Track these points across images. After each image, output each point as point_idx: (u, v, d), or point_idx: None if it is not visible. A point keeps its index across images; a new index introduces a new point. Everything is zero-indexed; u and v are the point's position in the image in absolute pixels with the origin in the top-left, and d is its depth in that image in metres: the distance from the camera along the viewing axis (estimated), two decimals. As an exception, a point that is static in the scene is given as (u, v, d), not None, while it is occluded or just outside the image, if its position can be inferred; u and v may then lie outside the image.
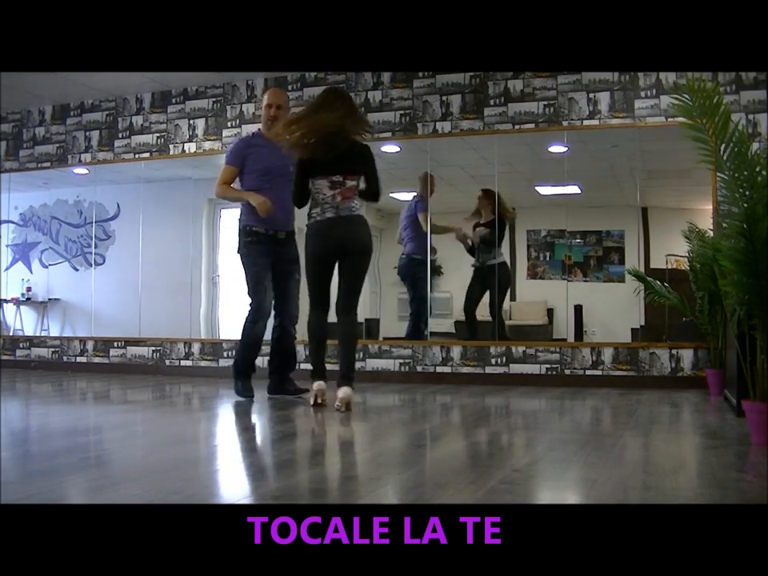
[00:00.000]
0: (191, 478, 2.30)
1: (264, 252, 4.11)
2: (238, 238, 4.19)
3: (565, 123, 5.44)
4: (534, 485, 2.19)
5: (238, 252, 4.19)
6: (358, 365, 5.75)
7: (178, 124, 6.50)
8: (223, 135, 6.31)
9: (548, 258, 6.39)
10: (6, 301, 7.27)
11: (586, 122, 5.39)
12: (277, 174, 4.08)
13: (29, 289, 7.24)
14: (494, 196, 5.85)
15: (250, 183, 4.12)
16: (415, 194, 6.19)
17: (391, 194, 6.65)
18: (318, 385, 3.77)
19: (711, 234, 4.66)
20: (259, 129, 4.32)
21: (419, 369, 5.67)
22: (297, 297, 4.23)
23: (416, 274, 6.01)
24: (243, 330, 4.15)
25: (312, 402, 3.77)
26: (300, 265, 4.17)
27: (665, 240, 5.68)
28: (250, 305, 4.13)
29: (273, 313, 4.20)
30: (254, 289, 4.10)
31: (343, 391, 3.67)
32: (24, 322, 7.28)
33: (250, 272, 4.12)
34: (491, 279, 5.96)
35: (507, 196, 5.98)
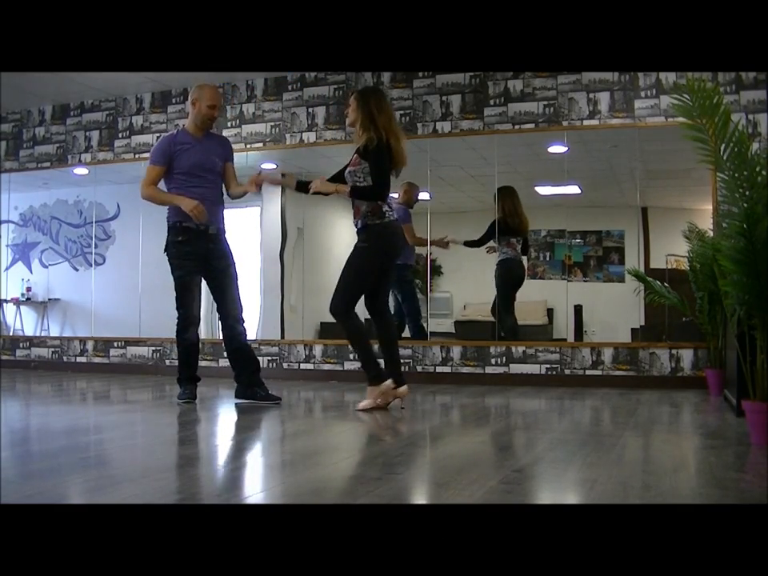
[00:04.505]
0: (191, 477, 2.30)
1: (192, 254, 3.97)
2: (167, 236, 4.06)
3: (565, 123, 5.44)
4: (533, 485, 2.19)
5: (166, 251, 4.05)
6: (356, 365, 5.77)
7: (178, 124, 6.49)
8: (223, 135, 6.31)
9: (548, 258, 6.39)
10: (5, 301, 7.27)
11: (586, 122, 5.39)
12: (205, 171, 3.99)
13: (29, 289, 7.24)
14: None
15: (178, 182, 3.99)
16: (397, 200, 6.08)
17: (391, 194, 6.64)
18: (384, 386, 3.78)
19: (711, 233, 4.66)
20: (184, 125, 4.14)
21: (419, 369, 5.67)
22: (237, 292, 4.08)
23: (402, 278, 5.88)
24: (177, 340, 4.07)
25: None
26: (234, 261, 4.09)
27: (665, 240, 5.68)
28: (177, 311, 4.01)
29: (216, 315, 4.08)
30: (181, 297, 3.99)
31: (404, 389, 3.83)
32: (24, 322, 7.28)
33: (177, 278, 4.00)
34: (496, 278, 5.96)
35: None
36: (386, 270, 3.85)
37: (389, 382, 3.75)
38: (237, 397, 4.11)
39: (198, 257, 3.99)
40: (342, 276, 3.82)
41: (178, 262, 3.99)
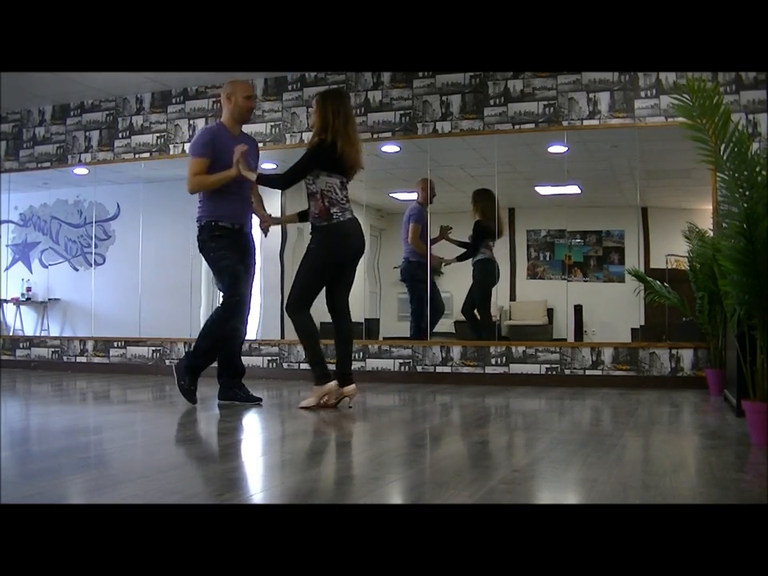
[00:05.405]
0: (191, 477, 2.30)
1: (231, 246, 3.90)
2: (200, 235, 3.95)
3: (565, 123, 5.44)
4: (533, 485, 2.19)
5: (202, 251, 3.96)
6: (357, 365, 5.77)
7: (177, 124, 6.50)
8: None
9: (548, 258, 6.40)
10: (5, 301, 7.27)
11: (586, 122, 5.39)
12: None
13: (29, 289, 7.24)
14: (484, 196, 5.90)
15: None
16: (416, 198, 6.15)
17: (391, 194, 6.65)
18: (328, 387, 3.82)
19: (711, 233, 4.66)
20: (221, 120, 4.07)
21: (419, 369, 5.67)
22: (249, 294, 4.06)
23: (414, 276, 6.02)
24: (216, 325, 3.90)
25: (323, 403, 3.81)
26: (255, 261, 4.10)
27: (665, 240, 5.68)
28: (229, 300, 3.85)
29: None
30: (233, 285, 3.85)
31: (352, 388, 3.87)
32: (24, 322, 7.28)
33: (226, 268, 3.86)
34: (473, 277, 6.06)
35: (504, 197, 5.98)
36: (340, 268, 3.89)
37: (333, 383, 3.82)
38: (219, 398, 4.11)
39: (235, 250, 3.94)
40: (295, 276, 3.93)
41: (222, 253, 3.89)
